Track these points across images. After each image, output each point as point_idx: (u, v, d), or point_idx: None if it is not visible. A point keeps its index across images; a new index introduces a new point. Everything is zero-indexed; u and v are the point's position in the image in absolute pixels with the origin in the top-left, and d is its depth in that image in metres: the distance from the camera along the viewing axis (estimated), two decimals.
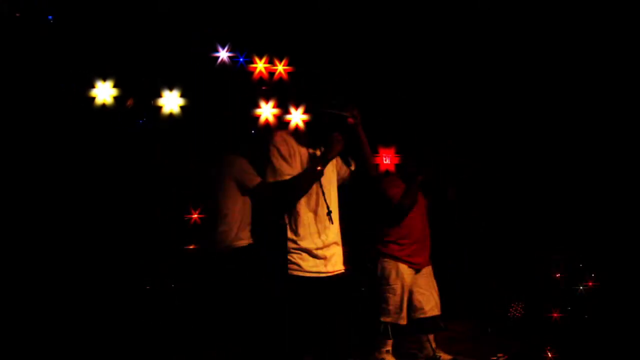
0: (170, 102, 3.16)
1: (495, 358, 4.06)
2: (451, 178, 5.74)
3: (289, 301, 2.96)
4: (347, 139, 3.05)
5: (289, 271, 2.97)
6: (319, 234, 3.02)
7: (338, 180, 3.22)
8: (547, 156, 5.61)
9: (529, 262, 5.32)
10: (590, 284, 4.53)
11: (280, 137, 3.00)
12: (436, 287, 4.43)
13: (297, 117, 2.90)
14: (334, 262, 3.07)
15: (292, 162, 2.99)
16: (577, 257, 4.96)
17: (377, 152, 4.29)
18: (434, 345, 4.43)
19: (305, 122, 2.97)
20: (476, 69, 5.42)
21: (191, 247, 4.38)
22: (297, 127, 2.93)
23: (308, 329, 2.97)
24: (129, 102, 3.47)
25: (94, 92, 3.18)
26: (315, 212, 3.03)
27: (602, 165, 5.37)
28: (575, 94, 5.42)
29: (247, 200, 4.13)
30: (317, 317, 2.98)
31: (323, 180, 3.06)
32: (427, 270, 4.43)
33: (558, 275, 4.48)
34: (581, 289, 4.51)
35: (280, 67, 2.99)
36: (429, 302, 4.35)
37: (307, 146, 3.04)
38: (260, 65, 2.99)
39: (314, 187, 3.04)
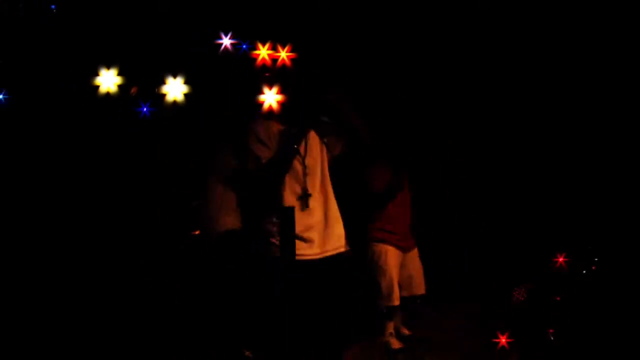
0: (174, 89, 3.17)
1: (496, 339, 4.08)
2: (451, 178, 5.78)
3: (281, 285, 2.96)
4: (329, 115, 3.07)
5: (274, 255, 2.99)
6: (300, 216, 3.01)
7: (329, 162, 3.21)
8: (547, 155, 5.63)
9: (530, 262, 5.32)
10: (593, 268, 4.55)
11: (258, 122, 3.02)
12: (422, 268, 4.70)
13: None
14: (322, 244, 3.05)
15: (270, 144, 3.00)
16: (578, 255, 4.97)
17: None
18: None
19: (283, 102, 2.95)
20: (476, 68, 5.45)
21: (196, 232, 4.39)
22: (273, 108, 2.92)
23: (304, 314, 2.96)
24: (133, 90, 3.48)
25: (98, 80, 3.19)
26: (297, 194, 3.03)
27: (603, 164, 5.38)
28: (574, 93, 5.45)
29: (228, 186, 4.14)
30: (311, 300, 2.97)
31: (307, 160, 3.04)
32: (414, 252, 4.67)
33: (560, 260, 4.49)
34: (584, 274, 4.53)
35: (284, 54, 3.00)
36: (416, 280, 4.61)
37: (287, 126, 3.02)
38: (263, 52, 3.00)
39: (298, 168, 3.03)
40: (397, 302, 4.49)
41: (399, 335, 4.67)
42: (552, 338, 4.01)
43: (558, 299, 4.55)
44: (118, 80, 3.18)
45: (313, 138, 3.12)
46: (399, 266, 4.57)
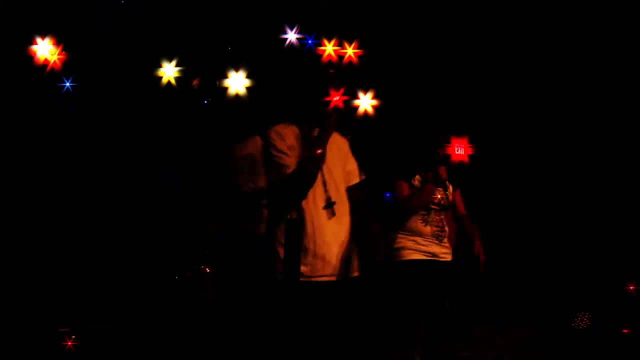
0: (237, 82, 3.12)
1: None
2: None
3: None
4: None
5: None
6: (320, 230, 2.71)
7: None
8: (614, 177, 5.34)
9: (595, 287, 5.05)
10: None
11: (274, 134, 2.73)
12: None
13: (366, 102, 2.78)
14: (342, 265, 2.74)
15: (292, 153, 2.70)
16: None
17: (449, 142, 4.09)
18: None
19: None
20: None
21: None
22: (291, 116, 2.74)
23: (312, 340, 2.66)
24: (195, 82, 3.45)
25: (161, 71, 3.17)
26: (315, 205, 2.72)
27: None
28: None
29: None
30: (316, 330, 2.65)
31: (327, 164, 2.74)
32: None
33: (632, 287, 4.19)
34: None
35: (350, 51, 2.90)
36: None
37: (305, 133, 2.73)
38: (329, 48, 2.91)
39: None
40: None
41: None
42: None
43: (626, 331, 4.24)
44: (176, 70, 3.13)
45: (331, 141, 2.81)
46: None
